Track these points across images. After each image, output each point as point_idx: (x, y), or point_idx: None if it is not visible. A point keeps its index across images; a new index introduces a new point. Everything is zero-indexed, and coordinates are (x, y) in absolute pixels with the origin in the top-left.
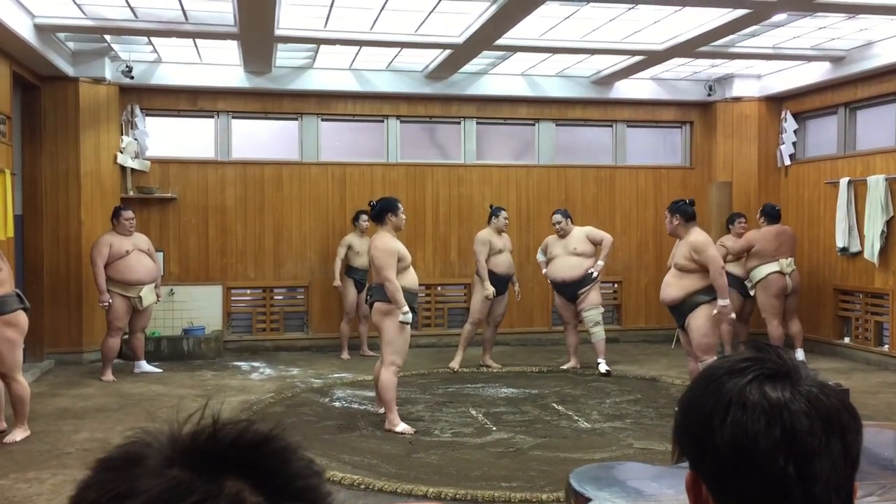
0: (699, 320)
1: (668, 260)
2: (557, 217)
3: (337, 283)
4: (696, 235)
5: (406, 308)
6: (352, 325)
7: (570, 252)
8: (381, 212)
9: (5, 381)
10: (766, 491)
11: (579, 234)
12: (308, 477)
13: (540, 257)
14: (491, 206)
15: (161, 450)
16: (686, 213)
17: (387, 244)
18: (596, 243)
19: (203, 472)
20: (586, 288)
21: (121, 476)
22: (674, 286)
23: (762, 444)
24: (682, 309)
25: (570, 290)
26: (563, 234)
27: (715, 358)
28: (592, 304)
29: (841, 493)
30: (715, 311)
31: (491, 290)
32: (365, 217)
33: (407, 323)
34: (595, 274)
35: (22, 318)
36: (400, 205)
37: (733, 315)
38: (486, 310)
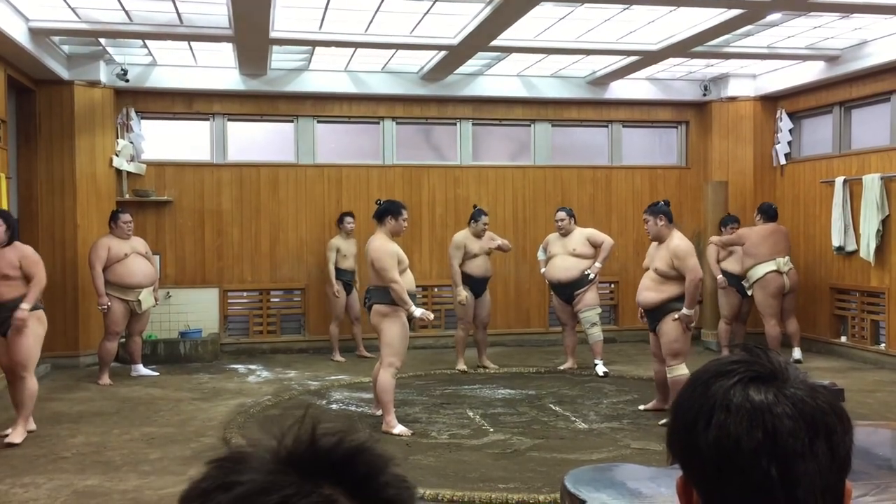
0: (670, 325)
1: (645, 261)
2: (561, 214)
3: (337, 288)
4: (679, 241)
5: (413, 307)
6: (341, 327)
7: (569, 252)
8: (383, 213)
9: (21, 374)
10: (750, 493)
11: (580, 236)
12: (399, 488)
13: (540, 255)
14: (475, 207)
15: (265, 453)
16: (670, 214)
17: (386, 246)
18: (596, 246)
19: (302, 474)
20: (583, 289)
21: (227, 471)
22: (653, 291)
23: (744, 447)
24: (656, 314)
25: (567, 290)
26: (564, 233)
27: (683, 364)
28: (589, 305)
29: (827, 495)
30: (676, 316)
31: (463, 295)
32: (350, 219)
33: (427, 317)
34: (592, 276)
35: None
36: (404, 211)
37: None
38: (471, 312)
